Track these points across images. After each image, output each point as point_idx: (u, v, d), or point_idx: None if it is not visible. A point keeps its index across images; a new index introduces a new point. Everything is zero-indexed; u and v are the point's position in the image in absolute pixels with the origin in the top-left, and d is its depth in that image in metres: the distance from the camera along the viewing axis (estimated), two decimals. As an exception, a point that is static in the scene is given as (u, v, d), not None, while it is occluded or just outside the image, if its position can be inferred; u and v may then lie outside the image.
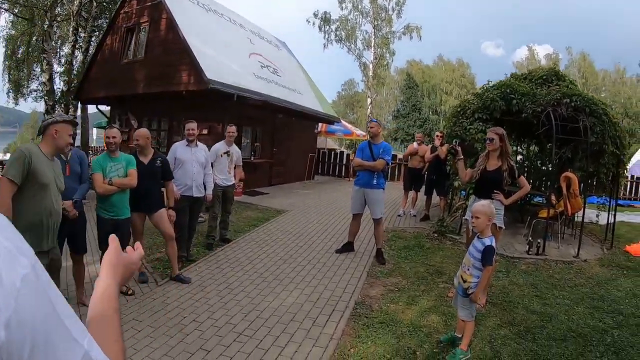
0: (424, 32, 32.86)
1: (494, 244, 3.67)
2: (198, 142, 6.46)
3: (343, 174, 20.02)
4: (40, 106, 20.13)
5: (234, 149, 7.49)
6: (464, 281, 3.73)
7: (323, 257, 6.74)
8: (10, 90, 22.00)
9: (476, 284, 3.65)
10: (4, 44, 21.18)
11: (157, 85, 12.74)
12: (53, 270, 3.85)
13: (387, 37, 32.50)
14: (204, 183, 6.52)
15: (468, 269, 3.73)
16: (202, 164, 6.38)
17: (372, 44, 32.30)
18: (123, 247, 1.17)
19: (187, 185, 6.17)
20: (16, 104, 22.47)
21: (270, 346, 3.95)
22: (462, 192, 8.39)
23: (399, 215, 10.28)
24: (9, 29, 21.01)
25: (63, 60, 20.22)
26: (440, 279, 5.88)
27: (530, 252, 7.09)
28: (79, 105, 19.77)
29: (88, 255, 6.03)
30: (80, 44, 19.26)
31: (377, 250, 6.77)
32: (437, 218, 8.95)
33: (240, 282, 5.57)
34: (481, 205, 3.79)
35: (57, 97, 18.25)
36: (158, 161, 5.46)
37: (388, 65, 34.13)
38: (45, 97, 17.64)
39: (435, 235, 8.15)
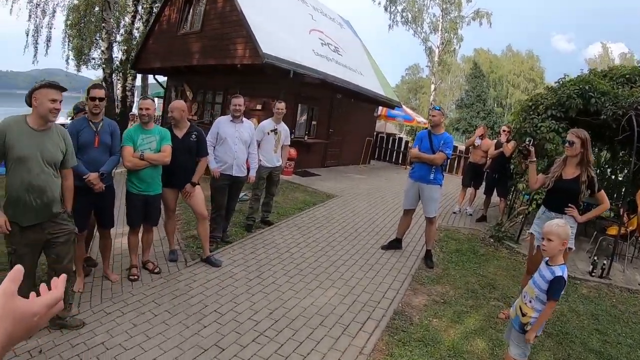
0: (493, 19, 30.90)
1: (565, 275, 2.97)
2: (244, 119, 6.04)
3: (400, 162, 19.20)
4: (97, 74, 20.70)
5: (282, 127, 7.05)
6: (523, 314, 3.04)
7: (367, 252, 6.21)
8: (73, 58, 22.75)
9: (536, 319, 2.99)
10: (65, 13, 21.81)
11: (213, 58, 12.59)
12: (65, 243, 3.59)
13: (455, 21, 30.76)
14: (247, 163, 6.14)
15: (530, 301, 3.03)
16: (245, 141, 5.96)
17: (440, 28, 30.73)
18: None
19: (227, 163, 5.79)
20: (78, 70, 23.27)
21: (291, 353, 3.52)
22: (526, 195, 7.53)
23: (454, 213, 9.53)
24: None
25: (122, 30, 20.60)
26: (492, 294, 5.17)
27: (593, 274, 6.17)
28: (139, 75, 20.12)
29: (119, 228, 5.91)
30: (141, 14, 19.53)
31: (427, 251, 6.15)
32: (495, 221, 8.13)
33: (273, 272, 5.18)
34: (556, 225, 3.04)
35: (115, 66, 18.63)
36: (193, 135, 5.11)
37: (455, 51, 32.41)
38: (104, 65, 18.05)
39: (491, 240, 7.37)
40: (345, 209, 8.80)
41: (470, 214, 9.48)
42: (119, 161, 4.46)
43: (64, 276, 0.91)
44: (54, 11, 21.18)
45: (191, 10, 14.18)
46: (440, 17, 30.69)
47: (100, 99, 4.20)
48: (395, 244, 6.45)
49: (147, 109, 4.58)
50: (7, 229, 3.34)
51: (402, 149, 19.38)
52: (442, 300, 4.83)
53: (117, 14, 20.36)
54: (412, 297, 4.86)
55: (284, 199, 9.02)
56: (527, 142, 4.82)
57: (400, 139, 20.41)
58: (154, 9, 18.59)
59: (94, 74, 21.40)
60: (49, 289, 0.88)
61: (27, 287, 3.57)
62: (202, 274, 4.99)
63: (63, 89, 3.35)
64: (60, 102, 3.33)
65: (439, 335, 4.01)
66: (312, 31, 14.42)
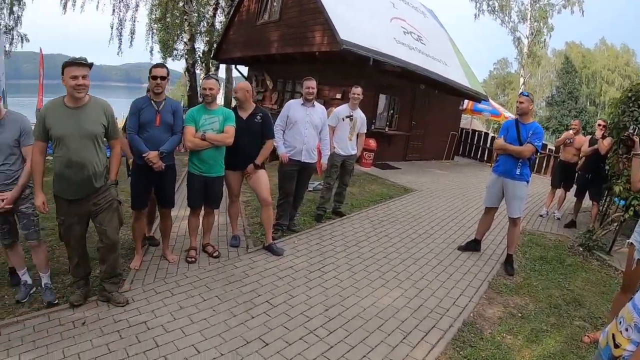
0: (585, 7, 28.13)
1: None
2: (316, 103, 5.74)
3: (485, 159, 17.99)
4: (182, 65, 21.58)
5: (359, 113, 6.66)
6: (616, 346, 2.31)
7: (441, 252, 5.66)
8: (159, 50, 23.82)
9: (632, 355, 2.27)
10: (147, 7, 23.03)
11: (291, 47, 12.53)
12: (107, 210, 3.62)
13: (545, 9, 28.50)
14: (318, 149, 5.84)
15: (627, 329, 2.27)
16: (316, 126, 5.64)
17: (528, 17, 28.62)
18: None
19: (296, 148, 5.51)
20: (164, 61, 24.27)
21: (339, 358, 3.17)
22: (622, 201, 6.49)
23: (541, 216, 8.54)
24: None
25: (205, 23, 21.22)
26: (577, 312, 4.38)
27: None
28: (222, 66, 20.61)
29: (180, 210, 5.88)
30: (222, 6, 19.99)
31: (507, 256, 5.44)
32: (586, 228, 7.10)
33: (337, 267, 4.85)
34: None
35: (198, 56, 19.23)
36: (258, 117, 4.89)
37: (545, 42, 30.02)
38: (186, 56, 18.73)
39: (580, 249, 6.41)
40: (423, 205, 8.25)
41: (559, 218, 8.44)
42: (181, 141, 4.35)
43: None
44: (137, 5, 22.43)
45: (269, 0, 14.24)
46: (529, 4, 28.63)
47: (162, 78, 4.14)
48: (473, 246, 5.83)
49: (211, 88, 4.43)
50: (44, 209, 3.49)
51: (487, 145, 18.14)
52: (520, 314, 4.18)
53: (199, 7, 21.07)
54: (486, 307, 4.27)
55: (360, 191, 8.67)
56: (631, 132, 4.01)
57: (486, 134, 19.07)
58: (235, 1, 19.00)
59: (179, 65, 22.52)
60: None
61: (78, 256, 3.67)
62: (261, 262, 4.80)
63: (84, 65, 3.33)
64: (84, 77, 3.30)
65: (511, 356, 3.43)
66: (394, 19, 13.79)
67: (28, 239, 3.73)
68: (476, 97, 16.16)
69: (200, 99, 18.71)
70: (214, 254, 4.83)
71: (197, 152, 4.43)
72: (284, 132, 5.55)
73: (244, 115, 4.85)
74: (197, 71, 20.12)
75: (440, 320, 3.86)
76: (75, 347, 3.15)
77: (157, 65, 4.27)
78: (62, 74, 3.30)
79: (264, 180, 4.97)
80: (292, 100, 5.79)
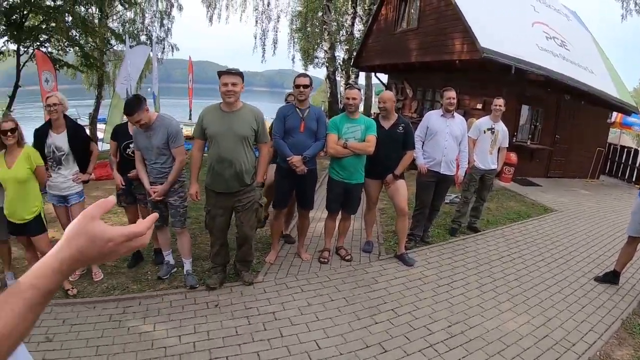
0: None
1: None
2: (455, 114, 5.73)
3: (634, 180, 15.70)
4: (323, 73, 22.47)
5: (500, 126, 6.45)
6: None
7: (576, 281, 5.25)
8: (300, 58, 25.39)
9: None
10: (288, 18, 24.39)
11: (430, 55, 12.36)
12: (248, 210, 4.17)
13: None
14: (457, 161, 5.82)
15: None
16: (456, 138, 5.61)
17: None
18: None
19: (435, 159, 5.54)
20: (305, 69, 25.50)
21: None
22: None
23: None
24: (294, 5, 24.12)
25: (344, 31, 21.74)
26: None
27: None
28: (360, 72, 20.98)
29: (317, 212, 6.22)
30: (360, 15, 20.33)
31: (649, 294, 4.86)
32: None
33: (466, 283, 4.82)
34: None
35: (338, 64, 19.84)
36: (400, 127, 5.02)
37: None
38: (327, 64, 19.45)
39: None
40: (563, 227, 7.69)
41: None
42: (323, 147, 4.69)
43: (153, 215, 0.95)
44: (278, 17, 24.07)
45: (407, 8, 14.21)
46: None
47: (305, 86, 4.50)
48: (611, 278, 5.29)
49: (354, 98, 4.68)
50: (196, 197, 4.13)
51: (637, 163, 15.87)
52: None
53: (337, 16, 21.77)
54: (614, 347, 3.87)
55: (497, 207, 8.36)
56: None
57: (637, 151, 16.60)
58: (372, 9, 19.20)
59: (320, 72, 23.39)
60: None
61: (219, 245, 4.23)
62: (391, 270, 4.95)
63: (234, 74, 3.87)
64: (234, 84, 3.82)
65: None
66: (535, 24, 12.76)
67: (174, 226, 4.38)
68: (625, 109, 14.30)
69: (340, 106, 19.33)
70: (346, 257, 5.09)
71: (339, 159, 4.72)
72: (423, 142, 5.62)
73: (387, 125, 5.02)
74: (338, 78, 20.82)
75: (563, 354, 3.64)
76: (205, 325, 3.62)
77: (300, 75, 4.65)
78: (219, 78, 3.87)
79: (402, 190, 5.08)
80: (431, 111, 5.85)
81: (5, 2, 12.90)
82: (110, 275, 4.65)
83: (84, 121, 18.83)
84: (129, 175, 4.51)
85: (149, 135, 4.12)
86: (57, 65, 13.66)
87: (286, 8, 24.94)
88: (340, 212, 5.07)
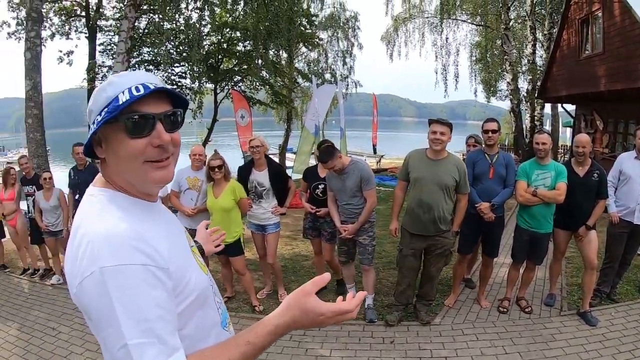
0: None
1: None
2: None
3: None
4: (503, 104, 21.32)
5: None
6: None
7: None
8: (482, 90, 24.38)
9: None
10: (467, 50, 23.74)
11: (619, 82, 10.85)
12: (439, 255, 4.26)
13: None
14: None
15: None
16: None
17: None
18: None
19: (628, 207, 4.91)
20: (488, 101, 24.72)
21: None
22: None
23: None
24: (471, 37, 23.35)
25: (525, 60, 20.42)
26: None
27: None
28: (548, 104, 19.55)
29: (499, 257, 5.90)
30: (541, 41, 18.93)
31: None
32: None
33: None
34: None
35: (522, 96, 18.73)
36: (595, 174, 4.58)
37: None
38: (510, 96, 18.46)
39: None
40: None
41: None
42: (512, 194, 4.51)
43: (361, 294, 1.12)
44: (458, 50, 23.34)
45: (590, 30, 12.73)
46: None
47: (493, 131, 4.46)
48: None
49: (544, 143, 4.41)
50: (395, 234, 4.35)
51: None
52: None
53: (517, 43, 20.69)
54: None
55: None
56: None
57: None
58: (552, 34, 17.86)
59: (503, 104, 22.32)
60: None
61: (405, 284, 4.36)
62: (571, 328, 4.51)
63: (444, 124, 4.01)
64: (442, 133, 3.96)
65: None
66: None
67: (362, 263, 4.57)
68: None
69: (526, 140, 18.16)
70: (527, 309, 4.79)
71: (527, 206, 4.49)
72: (615, 189, 5.06)
73: (581, 172, 4.62)
74: (522, 109, 19.68)
75: None
76: (379, 359, 3.75)
77: (488, 120, 4.60)
78: (429, 126, 4.04)
79: (594, 243, 4.63)
80: (624, 153, 5.24)
81: (203, 50, 15.02)
82: (295, 299, 5.05)
83: (273, 150, 20.93)
84: (318, 213, 4.86)
85: (343, 179, 4.40)
86: (250, 102, 15.57)
87: (464, 40, 24.49)
88: (525, 262, 4.79)
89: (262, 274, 5.72)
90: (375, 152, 22.02)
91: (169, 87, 1.13)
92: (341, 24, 24.62)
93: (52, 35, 15.87)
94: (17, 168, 6.95)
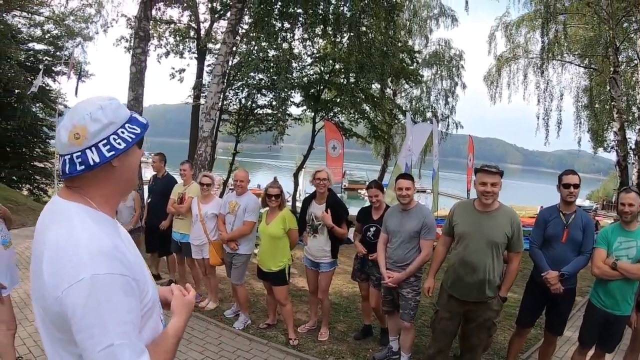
0: None
1: None
2: None
3: None
4: (612, 157, 18.93)
5: None
6: None
7: None
8: (589, 140, 21.92)
9: None
10: (573, 95, 21.58)
11: None
12: (480, 327, 3.69)
13: None
14: None
15: None
16: None
17: None
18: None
19: None
20: (595, 152, 22.13)
21: None
22: None
23: None
24: (577, 80, 21.28)
25: (635, 108, 18.39)
26: None
27: None
28: None
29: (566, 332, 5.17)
30: None
31: None
32: None
33: None
34: None
35: (630, 148, 16.49)
36: None
37: None
38: (616, 148, 16.38)
39: None
40: None
41: None
42: (587, 263, 3.85)
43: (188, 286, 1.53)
44: (562, 94, 21.39)
45: None
46: None
47: (575, 186, 3.81)
48: None
49: (630, 204, 3.64)
50: (428, 293, 3.89)
51: None
52: None
53: (627, 89, 18.61)
54: None
55: None
56: None
57: None
58: None
59: (610, 156, 19.91)
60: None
61: (437, 348, 3.85)
62: None
63: (494, 173, 3.44)
64: (494, 184, 3.43)
65: None
66: None
67: (402, 318, 4.17)
68: None
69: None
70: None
71: (604, 281, 3.75)
72: None
73: None
74: (630, 163, 17.39)
75: None
76: None
77: (568, 172, 3.94)
78: (475, 176, 3.56)
79: None
80: None
81: (305, 78, 15.54)
82: (334, 340, 4.92)
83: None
84: (370, 257, 4.59)
85: (403, 219, 4.14)
86: (347, 134, 15.78)
87: (569, 84, 22.70)
88: (594, 347, 3.98)
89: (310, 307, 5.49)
90: (468, 197, 20.96)
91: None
92: (445, 62, 24.33)
93: (167, 53, 17.40)
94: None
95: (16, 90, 18.46)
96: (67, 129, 1.22)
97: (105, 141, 1.22)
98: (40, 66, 17.63)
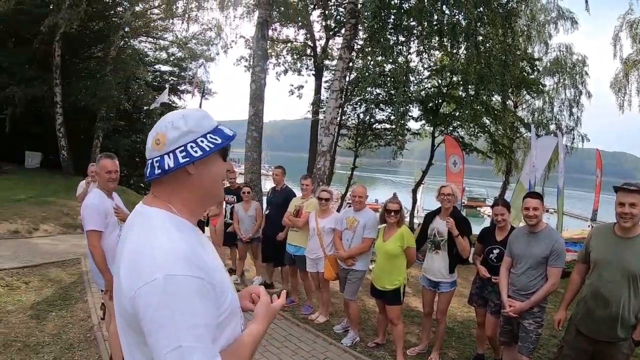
0: None
1: None
2: None
3: None
4: None
5: None
6: None
7: None
8: None
9: None
10: None
11: None
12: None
13: None
14: None
15: None
16: None
17: None
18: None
19: None
20: None
21: None
22: None
23: None
24: None
25: None
26: None
27: None
28: None
29: None
30: None
31: None
32: None
33: None
34: None
35: None
36: None
37: None
38: None
39: None
40: None
41: None
42: None
43: (282, 300, 1.53)
44: None
45: None
46: None
47: None
48: None
49: None
50: (558, 327, 3.49)
51: None
52: None
53: None
54: None
55: None
56: None
57: None
58: None
59: None
60: None
61: None
62: None
63: (633, 191, 2.96)
64: (632, 205, 2.95)
65: None
66: None
67: (520, 351, 3.76)
68: None
69: None
70: None
71: None
72: None
73: None
74: None
75: None
76: None
77: None
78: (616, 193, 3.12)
79: None
80: None
81: (423, 92, 15.29)
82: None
83: (490, 202, 20.10)
84: (494, 280, 4.25)
85: (531, 242, 3.78)
86: (467, 149, 15.22)
87: None
88: None
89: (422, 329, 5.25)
90: (594, 218, 18.81)
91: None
92: (567, 69, 22.18)
93: (285, 71, 18.13)
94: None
95: (145, 107, 21.07)
96: (152, 136, 1.31)
97: (182, 148, 1.26)
98: (167, 85, 19.62)
